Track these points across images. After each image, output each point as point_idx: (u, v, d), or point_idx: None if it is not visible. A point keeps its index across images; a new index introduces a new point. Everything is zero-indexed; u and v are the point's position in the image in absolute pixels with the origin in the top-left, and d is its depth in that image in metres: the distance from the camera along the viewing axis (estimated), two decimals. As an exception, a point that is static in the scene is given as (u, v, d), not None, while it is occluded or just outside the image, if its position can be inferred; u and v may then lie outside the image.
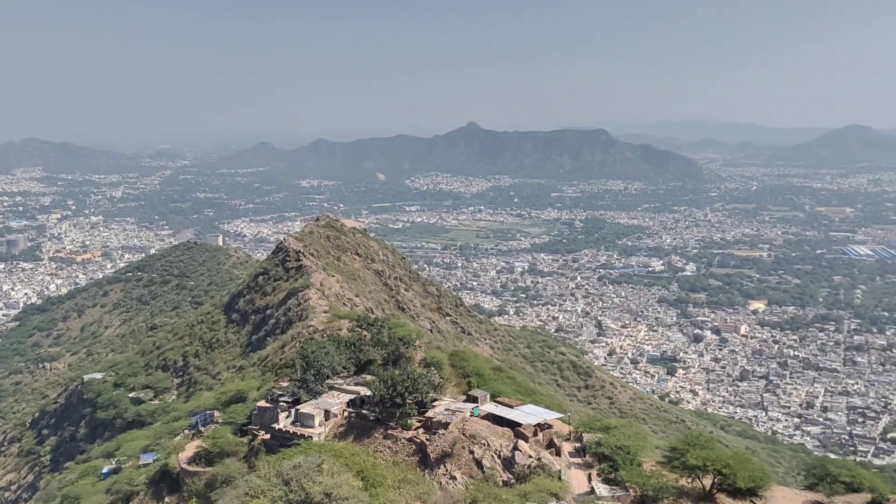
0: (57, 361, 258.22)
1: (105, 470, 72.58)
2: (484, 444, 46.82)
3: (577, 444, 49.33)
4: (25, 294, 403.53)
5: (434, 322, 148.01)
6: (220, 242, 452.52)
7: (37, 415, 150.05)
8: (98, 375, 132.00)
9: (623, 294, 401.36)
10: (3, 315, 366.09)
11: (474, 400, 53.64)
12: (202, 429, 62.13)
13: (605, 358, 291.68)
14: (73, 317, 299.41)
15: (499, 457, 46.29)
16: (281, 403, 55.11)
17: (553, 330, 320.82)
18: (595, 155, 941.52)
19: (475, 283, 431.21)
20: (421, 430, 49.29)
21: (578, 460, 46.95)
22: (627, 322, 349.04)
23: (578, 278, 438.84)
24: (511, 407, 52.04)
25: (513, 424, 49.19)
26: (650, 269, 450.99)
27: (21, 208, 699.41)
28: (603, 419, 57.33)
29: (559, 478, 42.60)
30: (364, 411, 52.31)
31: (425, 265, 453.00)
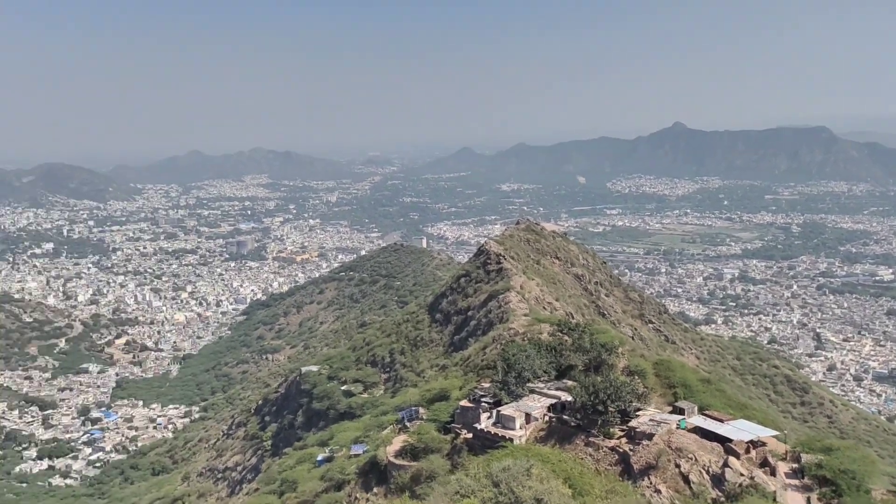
0: (278, 353, 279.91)
1: (319, 458, 77.13)
2: (691, 459, 44.77)
3: (795, 465, 45.88)
4: (252, 290, 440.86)
5: (636, 329, 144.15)
6: (424, 245, 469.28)
7: (260, 402, 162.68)
8: (314, 368, 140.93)
9: (846, 305, 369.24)
10: (233, 309, 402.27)
11: (681, 412, 51.46)
12: (408, 424, 64.37)
13: (823, 373, 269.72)
14: (292, 312, 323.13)
15: (707, 473, 44.06)
16: (482, 404, 55.90)
17: (765, 341, 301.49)
18: (814, 154, 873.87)
19: (680, 290, 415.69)
20: (624, 440, 48.01)
21: (795, 482, 43.67)
22: (850, 335, 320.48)
23: (794, 287, 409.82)
24: (721, 421, 49.35)
25: (723, 440, 46.60)
26: (878, 277, 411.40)
27: (249, 212, 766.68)
28: (823, 439, 52.98)
29: (774, 499, 39.85)
30: (565, 417, 51.84)
31: (626, 270, 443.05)
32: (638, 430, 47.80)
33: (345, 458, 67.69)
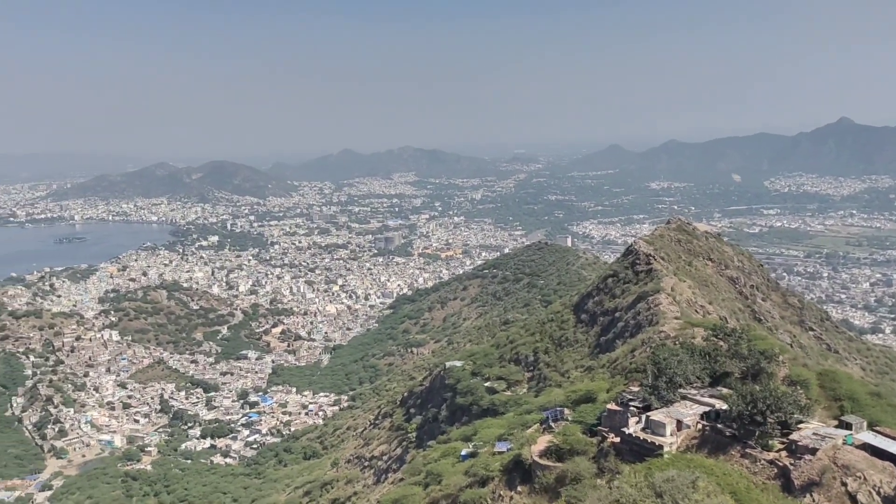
0: (423, 347, 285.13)
1: (463, 452, 77.80)
2: (860, 477, 41.72)
3: (981, 492, 41.81)
4: (398, 285, 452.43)
5: (795, 336, 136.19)
6: (569, 243, 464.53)
7: (405, 394, 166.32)
8: (458, 363, 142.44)
9: None
10: (381, 303, 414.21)
11: (848, 426, 48.04)
12: (552, 424, 63.85)
13: None
14: (437, 308, 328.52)
15: (878, 493, 40.92)
16: (631, 408, 54.53)
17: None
18: None
19: (843, 296, 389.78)
20: (784, 454, 45.43)
21: (983, 511, 39.79)
22: None
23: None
24: (894, 439, 45.75)
25: (896, 459, 43.21)
26: None
27: (397, 209, 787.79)
28: None
29: (957, 528, 36.48)
30: (719, 426, 49.69)
31: (784, 274, 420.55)
32: (800, 443, 45.10)
33: (489, 455, 67.90)
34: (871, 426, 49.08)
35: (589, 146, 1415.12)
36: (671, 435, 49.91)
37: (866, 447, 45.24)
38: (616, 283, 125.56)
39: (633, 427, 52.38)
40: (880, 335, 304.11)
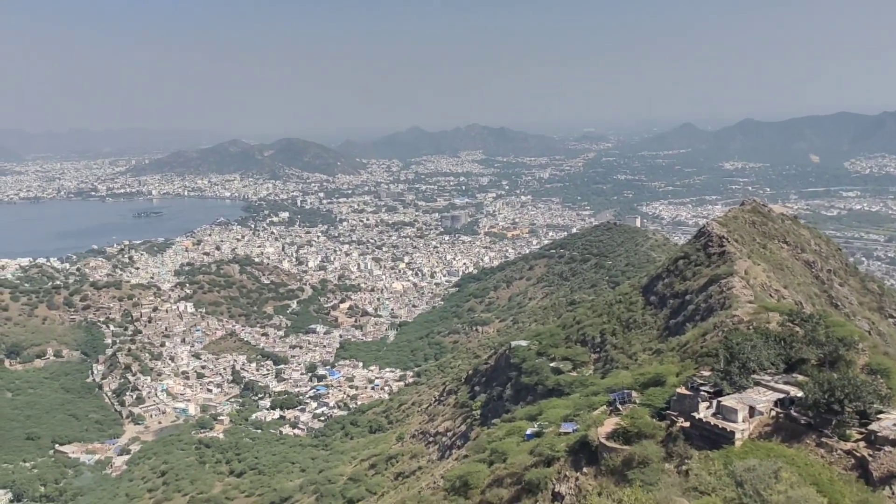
0: (487, 326, 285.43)
1: (528, 432, 77.57)
2: (943, 472, 40.21)
3: None
4: (464, 264, 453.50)
5: (874, 323, 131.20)
6: (639, 224, 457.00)
7: (470, 372, 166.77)
8: (523, 343, 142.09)
9: None
10: (446, 281, 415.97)
11: (931, 419, 46.29)
12: (620, 407, 63.23)
13: None
14: (502, 287, 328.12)
15: (962, 489, 39.39)
16: (702, 393, 53.53)
17: None
18: None
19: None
20: (862, 444, 44.02)
21: None
22: None
23: None
24: (981, 433, 43.82)
25: (984, 454, 41.38)
26: None
27: (464, 187, 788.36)
28: None
29: None
30: (794, 413, 48.41)
31: (864, 258, 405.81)
32: (879, 434, 43.60)
33: (554, 435, 67.60)
34: (956, 418, 47.19)
35: (660, 125, 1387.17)
36: (743, 421, 48.86)
37: (951, 440, 43.57)
38: (687, 266, 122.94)
39: (704, 412, 51.44)
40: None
